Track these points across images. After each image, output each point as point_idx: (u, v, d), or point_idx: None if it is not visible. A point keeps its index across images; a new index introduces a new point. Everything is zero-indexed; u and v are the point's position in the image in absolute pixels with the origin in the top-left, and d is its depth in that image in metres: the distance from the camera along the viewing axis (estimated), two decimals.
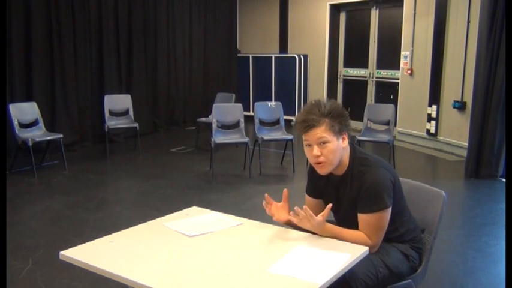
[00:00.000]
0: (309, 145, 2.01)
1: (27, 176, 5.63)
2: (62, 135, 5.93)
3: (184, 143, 7.72)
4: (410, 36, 7.56)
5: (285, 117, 6.43)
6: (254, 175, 5.71)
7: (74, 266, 1.78)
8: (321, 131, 1.97)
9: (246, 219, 2.15)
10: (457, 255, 3.64)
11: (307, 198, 2.26)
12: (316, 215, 2.12)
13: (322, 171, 2.04)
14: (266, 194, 2.14)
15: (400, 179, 2.44)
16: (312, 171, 2.20)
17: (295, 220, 1.96)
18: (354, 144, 2.14)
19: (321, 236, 1.97)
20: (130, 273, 1.62)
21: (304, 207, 1.93)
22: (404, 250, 2.11)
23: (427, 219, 2.25)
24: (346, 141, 2.05)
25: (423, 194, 2.33)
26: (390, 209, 2.00)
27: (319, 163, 2.00)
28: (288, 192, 2.14)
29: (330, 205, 1.98)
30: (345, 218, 2.09)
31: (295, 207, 1.93)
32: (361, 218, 2.00)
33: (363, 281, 1.88)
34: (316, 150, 1.98)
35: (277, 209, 2.12)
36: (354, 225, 2.02)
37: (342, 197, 2.10)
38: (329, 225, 1.99)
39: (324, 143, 1.97)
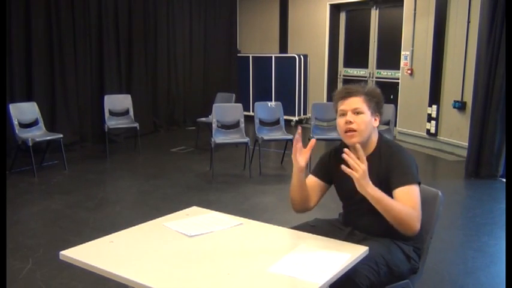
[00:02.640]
0: (343, 114, 2.06)
1: (27, 176, 5.63)
2: (62, 135, 5.93)
3: (184, 143, 7.72)
4: (410, 36, 7.57)
5: (285, 117, 6.43)
6: (254, 175, 5.71)
7: (74, 266, 1.78)
8: (359, 101, 2.06)
9: (246, 219, 2.15)
10: (457, 255, 3.64)
11: (311, 178, 2.24)
12: (315, 197, 2.19)
13: (351, 139, 2.05)
14: (299, 130, 2.07)
15: None
16: (327, 155, 2.24)
17: (349, 160, 1.86)
18: (381, 133, 2.18)
19: (365, 191, 1.89)
20: (130, 273, 1.62)
21: (346, 150, 1.88)
22: (407, 251, 2.10)
23: (423, 219, 2.24)
24: (377, 122, 2.11)
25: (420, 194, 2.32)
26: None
27: (350, 131, 2.03)
28: (315, 142, 2.07)
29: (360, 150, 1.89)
30: (367, 203, 2.01)
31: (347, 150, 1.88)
32: (402, 191, 1.97)
33: (366, 276, 1.86)
34: (350, 116, 2.03)
35: (301, 151, 2.07)
36: (375, 210, 1.97)
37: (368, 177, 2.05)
38: (374, 189, 1.91)
39: (359, 113, 2.04)
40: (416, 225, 1.94)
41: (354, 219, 2.08)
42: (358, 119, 2.04)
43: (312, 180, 2.24)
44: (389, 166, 2.03)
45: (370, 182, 1.90)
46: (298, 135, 2.05)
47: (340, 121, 2.08)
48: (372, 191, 1.90)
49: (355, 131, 2.04)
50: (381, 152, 2.08)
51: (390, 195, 1.98)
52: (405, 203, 1.94)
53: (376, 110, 2.11)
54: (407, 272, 2.10)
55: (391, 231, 2.01)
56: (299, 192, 2.15)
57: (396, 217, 1.91)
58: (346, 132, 2.06)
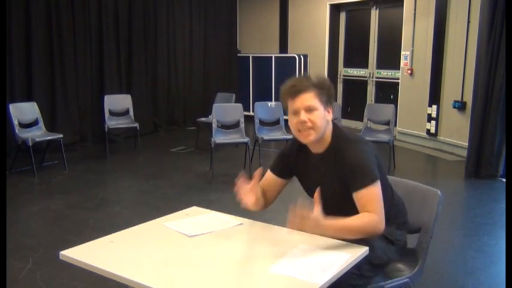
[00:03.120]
0: (295, 113, 1.97)
1: (27, 176, 5.63)
2: (62, 135, 5.93)
3: (184, 143, 7.72)
4: (410, 36, 7.56)
5: (285, 117, 6.42)
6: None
7: (74, 266, 1.78)
8: (310, 97, 1.95)
9: (246, 219, 2.15)
10: (457, 255, 3.64)
11: (269, 175, 2.19)
12: (274, 194, 2.15)
13: (307, 138, 1.98)
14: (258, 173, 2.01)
15: (396, 178, 2.45)
16: (287, 152, 2.17)
17: (291, 226, 1.84)
18: (335, 122, 2.09)
19: (324, 235, 1.87)
20: (130, 273, 1.62)
21: (295, 207, 1.78)
22: (388, 235, 2.05)
23: (423, 218, 2.25)
24: (331, 115, 2.02)
25: (419, 193, 2.33)
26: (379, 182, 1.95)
27: (305, 130, 1.95)
28: (261, 170, 2.02)
29: (318, 194, 1.86)
30: (329, 199, 1.97)
31: (291, 207, 1.81)
32: (358, 195, 1.92)
33: (349, 285, 1.84)
34: (303, 116, 1.94)
35: (246, 194, 1.99)
36: (338, 206, 1.95)
37: (324, 177, 2.03)
38: (328, 220, 1.83)
39: (312, 110, 1.95)
40: (380, 228, 1.91)
41: (332, 208, 2.00)
42: (313, 116, 1.95)
43: (270, 177, 2.19)
44: (344, 168, 1.95)
45: (323, 224, 1.80)
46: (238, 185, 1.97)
47: (293, 120, 1.99)
48: (329, 229, 1.84)
49: (311, 128, 1.96)
50: (335, 151, 2.01)
51: (347, 187, 1.95)
52: (365, 206, 1.91)
53: (329, 102, 2.01)
54: (394, 254, 2.09)
55: None
56: (255, 206, 2.08)
57: (361, 233, 1.88)
58: (300, 131, 1.98)
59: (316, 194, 1.87)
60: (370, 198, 1.91)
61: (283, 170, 2.18)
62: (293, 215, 1.79)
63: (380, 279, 2.16)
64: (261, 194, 2.13)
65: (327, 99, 2.00)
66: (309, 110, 1.95)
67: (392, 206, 2.10)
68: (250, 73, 10.14)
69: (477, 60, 5.83)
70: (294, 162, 2.14)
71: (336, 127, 2.06)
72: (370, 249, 1.93)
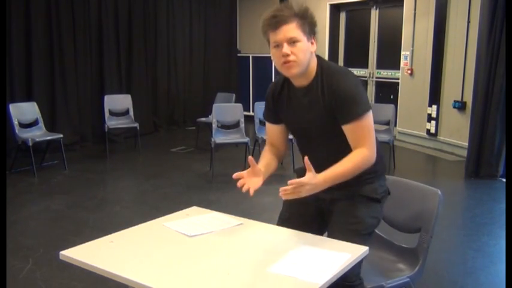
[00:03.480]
0: (277, 46, 1.89)
1: (27, 176, 5.63)
2: (62, 135, 5.93)
3: (184, 143, 7.72)
4: (410, 36, 7.56)
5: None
6: None
7: (74, 266, 1.78)
8: (292, 28, 1.86)
9: (246, 219, 2.15)
10: (457, 255, 3.64)
11: (269, 125, 2.18)
12: (282, 142, 2.14)
13: (290, 71, 1.91)
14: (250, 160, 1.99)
15: (396, 178, 2.45)
16: (271, 94, 2.12)
17: (286, 197, 1.82)
18: (319, 55, 2.02)
19: (321, 189, 1.84)
20: (130, 273, 1.62)
21: (289, 182, 1.77)
22: (373, 194, 2.03)
23: (423, 218, 2.26)
24: (315, 46, 1.94)
25: (419, 193, 2.33)
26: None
27: (288, 62, 1.88)
28: (253, 160, 2.00)
29: (307, 160, 1.81)
30: (314, 131, 1.98)
31: (281, 188, 1.80)
32: (350, 127, 1.90)
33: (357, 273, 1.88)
34: (286, 48, 1.86)
35: (249, 177, 1.98)
36: (323, 138, 1.95)
37: (310, 108, 1.98)
38: (322, 175, 1.84)
39: (294, 42, 1.87)
40: (372, 161, 1.92)
41: (310, 156, 1.97)
42: (295, 48, 1.87)
43: (271, 128, 2.18)
44: (334, 97, 1.90)
45: (317, 183, 1.81)
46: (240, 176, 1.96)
47: (276, 53, 1.91)
48: (325, 184, 1.85)
49: (294, 61, 1.88)
50: (322, 80, 1.94)
51: (335, 119, 1.92)
52: (357, 140, 1.90)
53: (312, 32, 1.92)
54: (381, 211, 2.09)
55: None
56: (271, 170, 2.13)
57: (355, 173, 1.90)
58: (284, 63, 1.90)
59: (306, 159, 1.81)
60: (363, 131, 1.91)
61: (273, 116, 2.14)
62: (288, 188, 1.79)
63: (380, 278, 2.16)
64: (269, 160, 2.14)
65: (310, 29, 1.92)
66: (292, 42, 1.87)
67: (376, 160, 2.07)
68: (250, 73, 10.13)
69: (477, 60, 5.83)
70: (277, 102, 2.10)
71: (321, 59, 2.00)
72: (358, 222, 1.98)
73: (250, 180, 1.98)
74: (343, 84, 1.91)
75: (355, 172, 1.91)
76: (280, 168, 6.31)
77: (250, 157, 2.01)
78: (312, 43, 1.94)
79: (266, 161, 2.14)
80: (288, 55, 1.87)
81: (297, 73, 1.92)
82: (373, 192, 2.05)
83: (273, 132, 2.19)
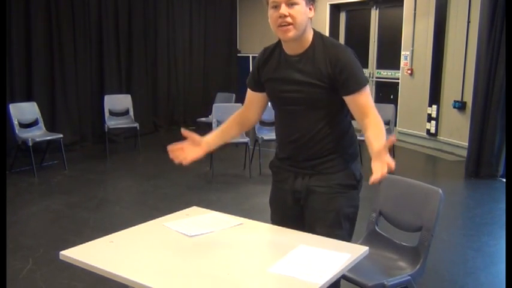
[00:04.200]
0: (275, 7, 1.86)
1: (27, 176, 5.63)
2: (62, 135, 5.93)
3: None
4: (410, 36, 7.56)
5: None
6: (254, 175, 5.71)
7: (74, 266, 1.77)
8: None
9: (246, 219, 2.15)
10: (457, 255, 3.64)
11: (249, 92, 2.18)
12: (256, 111, 2.18)
13: (286, 34, 1.88)
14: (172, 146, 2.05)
15: (397, 177, 2.46)
16: (259, 58, 2.08)
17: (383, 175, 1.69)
18: (315, 29, 2.01)
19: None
20: (130, 273, 1.62)
21: (371, 182, 1.66)
22: (348, 180, 2.01)
23: (424, 217, 2.26)
24: (312, 12, 1.92)
25: (420, 192, 2.34)
26: None
27: (285, 25, 1.85)
28: (185, 130, 2.06)
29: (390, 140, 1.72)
30: (303, 100, 1.96)
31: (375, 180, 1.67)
32: (357, 96, 1.91)
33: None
34: (283, 9, 1.83)
35: (190, 149, 2.07)
36: (310, 108, 1.95)
37: (303, 76, 1.94)
38: (377, 146, 1.76)
39: (293, 4, 1.84)
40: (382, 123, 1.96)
41: (288, 128, 2.03)
42: (293, 11, 1.84)
43: (249, 93, 2.18)
44: (339, 67, 1.88)
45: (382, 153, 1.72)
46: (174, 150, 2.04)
47: (273, 14, 1.87)
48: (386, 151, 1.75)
49: (290, 24, 1.85)
50: (322, 50, 1.93)
51: (330, 87, 1.91)
52: (364, 107, 1.93)
53: None
54: (358, 197, 2.07)
55: (327, 137, 1.99)
56: (227, 136, 2.22)
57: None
58: (280, 26, 1.87)
59: (382, 148, 1.72)
60: (368, 98, 1.95)
61: (256, 82, 2.12)
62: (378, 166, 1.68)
63: (382, 277, 2.16)
64: (235, 132, 2.21)
65: None
66: (290, 4, 1.84)
67: (352, 141, 2.08)
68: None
69: (477, 60, 5.83)
70: (264, 67, 2.07)
71: (316, 31, 1.99)
72: (337, 216, 1.99)
73: (190, 150, 2.06)
74: (348, 56, 1.92)
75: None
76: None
77: (182, 129, 2.06)
78: (310, 9, 1.91)
79: (223, 128, 2.21)
80: (285, 16, 1.84)
81: (292, 37, 1.89)
82: (350, 178, 2.03)
83: (251, 99, 2.18)
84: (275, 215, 2.20)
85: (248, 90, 2.20)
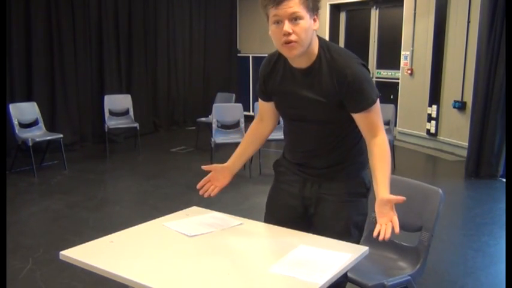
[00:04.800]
0: (278, 22, 1.73)
1: (27, 176, 5.63)
2: (62, 135, 5.93)
3: (184, 143, 7.72)
4: (410, 36, 7.56)
5: None
6: (254, 175, 5.71)
7: (74, 266, 1.77)
8: (295, 4, 1.71)
9: (246, 219, 2.15)
10: (457, 255, 3.64)
11: (261, 103, 2.09)
12: (272, 120, 2.12)
13: (291, 52, 1.77)
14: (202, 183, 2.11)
15: (397, 177, 2.45)
16: (263, 70, 2.00)
17: (387, 235, 1.73)
18: (319, 36, 1.91)
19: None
20: (130, 273, 1.62)
21: (375, 233, 1.72)
22: (359, 188, 1.98)
23: (424, 217, 2.26)
24: (317, 24, 1.81)
25: (420, 192, 2.34)
26: None
27: (290, 42, 1.74)
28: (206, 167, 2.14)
29: (398, 198, 1.76)
30: (312, 115, 1.90)
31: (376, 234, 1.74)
32: (364, 114, 1.83)
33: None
34: (287, 27, 1.71)
35: (216, 178, 2.12)
36: (320, 122, 1.90)
37: (310, 91, 1.86)
38: (382, 191, 1.78)
39: (297, 19, 1.72)
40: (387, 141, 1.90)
41: (298, 141, 2.00)
42: (297, 27, 1.72)
43: (261, 103, 2.10)
44: (346, 83, 1.79)
45: (383, 199, 1.78)
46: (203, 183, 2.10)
47: (275, 30, 1.75)
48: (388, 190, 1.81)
49: (295, 42, 1.74)
50: (325, 61, 1.83)
51: (337, 104, 1.84)
52: (371, 125, 1.85)
53: (315, 8, 1.78)
54: (367, 205, 2.04)
55: (337, 149, 1.96)
56: (247, 156, 2.23)
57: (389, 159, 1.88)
58: (284, 43, 1.75)
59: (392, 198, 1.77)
60: (376, 116, 1.86)
61: (265, 93, 2.03)
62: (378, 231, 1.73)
63: (382, 277, 2.16)
64: (245, 147, 2.19)
65: (313, 5, 1.78)
66: (294, 18, 1.72)
67: (362, 150, 2.01)
68: (250, 73, 10.13)
69: (477, 60, 5.83)
70: (269, 79, 1.98)
71: (321, 39, 1.89)
72: (348, 224, 1.96)
73: (216, 180, 2.13)
74: (355, 70, 1.80)
75: (389, 159, 1.87)
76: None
77: (202, 166, 2.12)
78: (315, 20, 1.80)
79: (241, 151, 2.19)
80: (289, 34, 1.73)
81: (298, 54, 1.78)
82: (360, 186, 2.00)
83: (264, 108, 2.10)
84: (271, 217, 2.14)
85: (259, 100, 2.10)
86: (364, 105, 1.82)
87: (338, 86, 1.81)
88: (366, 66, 1.87)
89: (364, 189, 2.00)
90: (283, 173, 2.13)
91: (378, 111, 1.87)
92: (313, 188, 2.02)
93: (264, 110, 2.11)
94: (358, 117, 1.86)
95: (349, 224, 1.98)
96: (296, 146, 2.05)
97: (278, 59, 1.94)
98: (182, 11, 9.17)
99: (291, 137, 2.06)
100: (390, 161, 1.87)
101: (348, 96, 1.82)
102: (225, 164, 2.15)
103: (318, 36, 1.88)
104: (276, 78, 1.95)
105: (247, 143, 2.19)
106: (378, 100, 1.86)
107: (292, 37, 1.73)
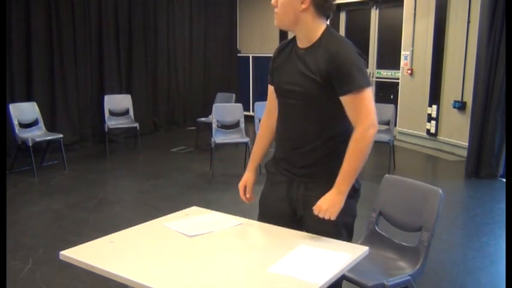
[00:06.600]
0: None
1: (27, 176, 5.63)
2: (62, 135, 5.93)
3: (184, 143, 7.72)
4: (410, 36, 7.56)
5: None
6: None
7: (74, 266, 1.78)
8: None
9: (246, 219, 2.15)
10: (457, 255, 3.64)
11: (270, 89, 2.17)
12: (277, 108, 2.13)
13: (275, 22, 1.99)
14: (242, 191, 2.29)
15: (397, 177, 2.46)
16: (276, 51, 2.14)
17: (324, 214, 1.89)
18: (330, 26, 1.99)
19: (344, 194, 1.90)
20: (130, 273, 1.62)
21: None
22: (354, 188, 1.98)
23: (424, 217, 2.26)
24: (304, 6, 1.87)
25: (420, 192, 2.34)
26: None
27: (275, 12, 1.97)
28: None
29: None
30: (302, 95, 1.95)
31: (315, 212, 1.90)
32: (348, 99, 1.86)
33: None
34: (273, 0, 1.95)
35: (249, 187, 2.28)
36: (309, 105, 1.94)
37: (304, 70, 1.94)
38: (338, 187, 1.88)
39: None
40: (375, 130, 1.91)
41: (288, 125, 2.04)
42: (279, 2, 1.93)
43: (270, 91, 2.17)
44: (333, 63, 1.85)
45: (338, 195, 1.88)
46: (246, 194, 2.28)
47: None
48: (345, 189, 1.89)
49: (276, 13, 1.95)
50: (323, 44, 1.91)
51: (326, 84, 1.88)
52: (356, 111, 1.87)
53: None
54: (355, 206, 2.05)
55: (325, 142, 1.97)
56: (265, 152, 2.31)
57: (366, 153, 1.90)
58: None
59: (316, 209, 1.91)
60: (362, 107, 1.87)
61: (273, 72, 2.14)
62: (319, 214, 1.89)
63: (382, 277, 2.16)
64: (264, 146, 2.29)
65: None
66: None
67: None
68: (250, 73, 10.13)
69: (477, 60, 5.83)
70: (277, 58, 2.11)
71: (329, 28, 1.96)
72: (337, 226, 1.96)
73: (250, 186, 2.30)
74: (348, 53, 1.87)
75: (365, 153, 1.89)
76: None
77: (246, 197, 2.31)
78: (303, 2, 1.88)
79: (262, 151, 2.30)
80: (273, 5, 1.95)
81: (278, 26, 1.98)
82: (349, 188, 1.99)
83: (272, 97, 2.16)
84: (263, 218, 2.16)
85: (269, 87, 2.17)
86: (350, 88, 1.85)
87: (328, 65, 1.86)
88: (362, 56, 1.92)
89: (351, 191, 1.96)
90: (273, 174, 2.16)
91: (365, 100, 1.88)
92: (299, 190, 2.03)
93: (272, 98, 2.15)
94: (343, 100, 1.89)
95: (339, 225, 1.97)
96: (284, 132, 2.09)
97: (289, 42, 2.07)
98: (182, 11, 9.17)
99: (280, 122, 2.10)
100: (361, 157, 1.89)
101: (335, 76, 1.86)
102: (252, 176, 2.33)
103: (328, 25, 1.97)
104: (283, 56, 2.07)
105: (263, 148, 2.31)
106: (369, 92, 1.89)
107: (276, 9, 1.95)
